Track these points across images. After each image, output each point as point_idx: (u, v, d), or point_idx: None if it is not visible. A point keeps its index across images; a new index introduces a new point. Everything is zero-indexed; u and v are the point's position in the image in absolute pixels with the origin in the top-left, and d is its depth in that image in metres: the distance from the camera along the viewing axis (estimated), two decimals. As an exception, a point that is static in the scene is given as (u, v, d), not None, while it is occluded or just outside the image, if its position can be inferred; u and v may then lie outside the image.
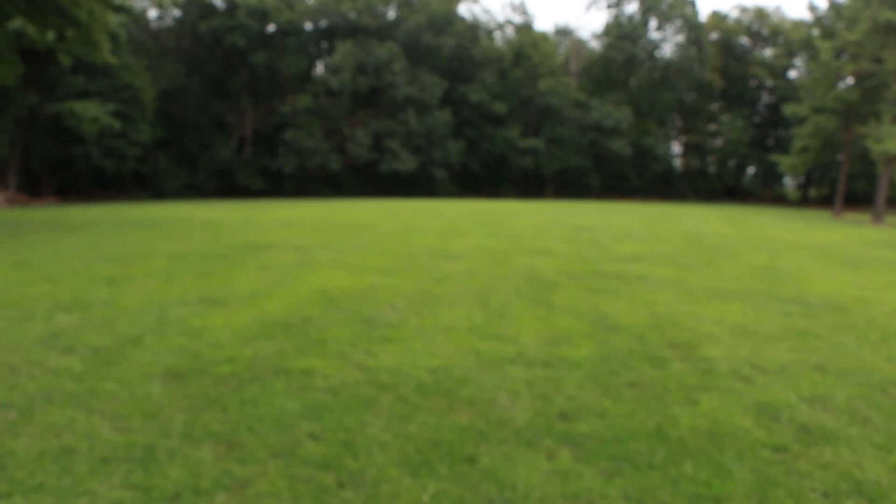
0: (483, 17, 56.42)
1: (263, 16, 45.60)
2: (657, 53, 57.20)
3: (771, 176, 61.07)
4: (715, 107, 60.38)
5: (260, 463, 3.45)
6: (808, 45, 48.07)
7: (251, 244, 13.33)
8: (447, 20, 50.25)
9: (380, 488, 3.22)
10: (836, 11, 39.39)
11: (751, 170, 62.07)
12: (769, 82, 57.52)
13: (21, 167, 37.34)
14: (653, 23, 56.78)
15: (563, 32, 63.68)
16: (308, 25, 50.29)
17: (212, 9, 45.94)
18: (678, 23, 55.43)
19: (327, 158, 46.50)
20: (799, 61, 55.93)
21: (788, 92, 53.32)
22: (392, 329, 6.28)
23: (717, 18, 59.63)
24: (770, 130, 60.02)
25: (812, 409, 4.42)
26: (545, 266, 10.86)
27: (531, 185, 55.65)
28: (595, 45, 60.85)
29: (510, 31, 58.70)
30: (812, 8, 43.92)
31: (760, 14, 58.76)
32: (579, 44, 61.96)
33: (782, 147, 55.15)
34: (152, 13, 46.72)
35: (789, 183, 66.05)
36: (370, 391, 4.54)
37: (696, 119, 59.44)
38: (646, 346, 5.92)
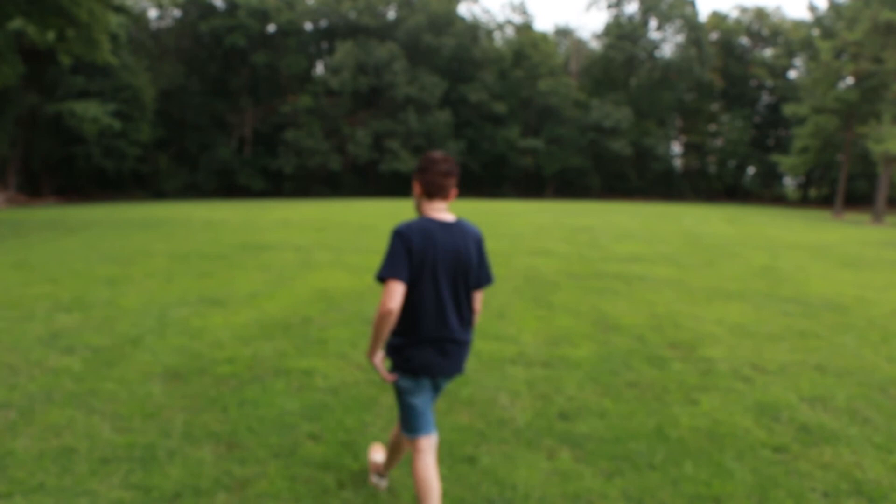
0: (483, 18, 56.50)
1: (264, 16, 45.60)
2: (657, 53, 57.15)
3: (771, 176, 61.02)
4: (715, 107, 60.32)
5: (260, 463, 3.45)
6: (808, 45, 48.05)
7: (251, 244, 13.33)
8: (447, 20, 50.23)
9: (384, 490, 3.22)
10: (836, 11, 39.40)
11: (751, 170, 61.98)
12: (769, 82, 57.47)
13: (21, 167, 37.35)
14: (653, 23, 56.75)
15: (564, 32, 63.65)
16: (308, 25, 50.28)
17: (212, 9, 45.93)
18: (678, 23, 55.40)
19: (327, 158, 46.49)
20: (799, 61, 55.84)
21: (788, 92, 53.24)
22: (392, 329, 6.27)
23: (718, 18, 59.59)
24: (770, 130, 59.96)
25: (812, 409, 4.42)
26: (545, 266, 10.87)
27: (531, 185, 55.62)
28: (595, 45, 60.83)
29: (510, 31, 58.69)
30: (812, 8, 43.92)
31: (760, 14, 58.71)
32: (579, 44, 61.93)
33: (782, 147, 55.10)
34: (152, 13, 46.78)
35: (789, 183, 65.97)
36: (370, 391, 4.54)
37: (696, 119, 59.37)
38: (646, 346, 5.92)
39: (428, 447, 2.73)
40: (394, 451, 2.96)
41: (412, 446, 2.75)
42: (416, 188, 2.74)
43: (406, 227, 2.60)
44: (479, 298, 2.85)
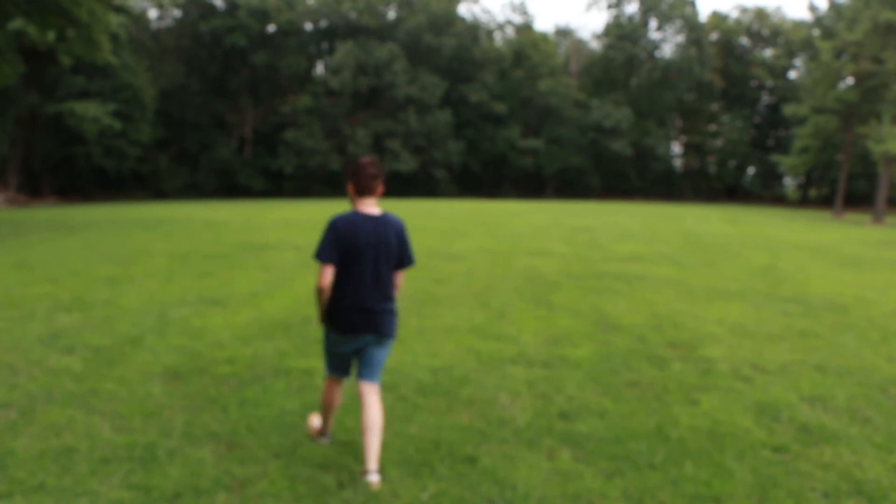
0: (483, 18, 56.39)
1: (264, 16, 45.58)
2: (657, 54, 57.09)
3: (771, 176, 60.98)
4: (715, 107, 60.25)
5: (260, 463, 3.46)
6: (808, 46, 48.01)
7: (252, 244, 13.33)
8: (447, 20, 50.19)
9: (380, 489, 3.22)
10: (836, 11, 39.39)
11: (751, 170, 61.94)
12: (769, 82, 57.40)
13: (21, 167, 37.33)
14: (653, 23, 56.70)
15: (564, 33, 63.60)
16: (308, 25, 50.25)
17: (212, 9, 45.92)
18: (678, 23, 55.34)
19: (328, 158, 46.47)
20: (799, 61, 55.78)
21: (789, 92, 53.17)
22: (392, 329, 6.27)
23: (718, 18, 59.55)
24: (770, 130, 59.91)
25: (812, 409, 4.42)
26: (545, 266, 10.87)
27: (531, 185, 55.58)
28: (595, 45, 60.77)
29: (510, 31, 58.59)
30: (812, 8, 43.93)
31: (760, 14, 58.66)
32: (579, 44, 61.87)
33: (782, 147, 55.04)
34: (153, 13, 46.76)
35: (789, 183, 65.88)
36: (370, 391, 4.54)
37: (696, 119, 59.30)
38: (646, 345, 5.92)
39: (336, 382, 3.57)
40: (325, 409, 3.61)
41: (325, 381, 3.59)
42: (350, 188, 3.44)
43: (338, 219, 3.35)
44: (401, 276, 3.56)
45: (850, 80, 36.49)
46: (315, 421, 3.77)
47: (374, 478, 3.24)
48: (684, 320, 7.03)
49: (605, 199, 51.29)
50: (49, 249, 12.44)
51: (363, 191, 3.40)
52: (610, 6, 57.26)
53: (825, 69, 35.79)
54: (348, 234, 3.30)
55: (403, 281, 3.59)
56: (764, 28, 58.68)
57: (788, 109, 40.46)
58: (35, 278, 8.93)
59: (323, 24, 50.49)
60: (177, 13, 46.82)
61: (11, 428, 3.83)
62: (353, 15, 48.60)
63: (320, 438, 3.70)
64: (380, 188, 3.43)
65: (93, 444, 3.62)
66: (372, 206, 3.43)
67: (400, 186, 49.34)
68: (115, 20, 28.97)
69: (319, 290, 3.32)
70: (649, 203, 47.95)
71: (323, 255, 3.28)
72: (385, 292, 3.41)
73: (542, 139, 52.01)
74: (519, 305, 7.61)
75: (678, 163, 61.87)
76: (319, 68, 52.67)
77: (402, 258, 3.48)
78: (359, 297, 3.33)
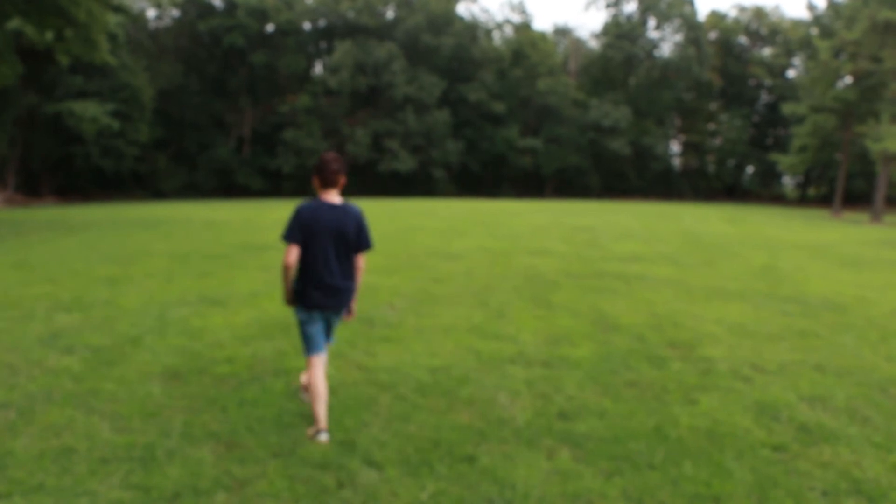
0: (482, 17, 56.42)
1: (262, 15, 45.56)
2: (656, 53, 57.10)
3: (770, 175, 61.01)
4: (714, 106, 60.27)
5: (260, 463, 3.46)
6: (806, 45, 48.03)
7: (251, 244, 13.33)
8: (446, 20, 50.18)
9: (379, 488, 3.22)
10: (834, 10, 39.41)
11: (750, 169, 61.98)
12: (768, 81, 57.43)
13: (20, 167, 37.29)
14: (651, 22, 56.71)
15: (562, 32, 63.57)
16: (307, 25, 50.24)
17: (211, 8, 45.89)
18: (677, 22, 55.36)
19: (326, 158, 46.45)
20: (798, 60, 55.82)
21: (787, 91, 53.20)
22: (391, 329, 6.28)
23: (716, 18, 59.56)
24: (769, 129, 59.93)
25: (812, 409, 4.43)
26: (544, 266, 10.87)
27: (530, 184, 55.57)
28: (594, 44, 60.76)
29: (509, 30, 58.59)
30: (811, 7, 43.97)
31: (759, 13, 58.69)
32: (578, 43, 61.86)
33: (781, 146, 55.06)
34: (151, 13, 46.71)
35: (788, 182, 65.92)
36: (370, 391, 4.55)
37: (694, 118, 59.30)
38: (645, 345, 5.92)
39: (318, 363, 3.87)
40: (314, 396, 3.79)
41: (307, 362, 3.89)
42: (315, 180, 3.87)
43: (302, 206, 3.81)
44: (362, 259, 3.98)
45: (848, 79, 36.52)
46: (303, 377, 4.03)
47: (324, 436, 3.70)
48: (684, 320, 7.03)
49: (604, 199, 51.29)
50: (49, 249, 12.43)
51: (327, 183, 3.84)
52: (608, 5, 57.26)
53: (824, 68, 35.81)
54: (311, 220, 3.75)
55: (364, 262, 4.02)
56: (762, 27, 58.70)
57: (787, 108, 40.49)
58: (35, 278, 8.92)
59: (321, 23, 50.46)
60: (175, 13, 46.78)
61: (11, 428, 3.83)
62: (351, 14, 48.58)
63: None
64: (342, 181, 3.88)
65: (92, 445, 3.62)
66: (334, 196, 3.87)
67: (399, 186, 49.32)
68: (113, 20, 28.91)
69: (284, 268, 3.77)
70: (648, 202, 47.96)
71: (288, 236, 3.74)
72: (346, 272, 3.89)
73: (541, 139, 52.01)
74: (518, 305, 7.61)
75: (677, 162, 61.89)
76: (318, 68, 52.66)
77: (361, 243, 3.91)
78: (323, 276, 3.79)
